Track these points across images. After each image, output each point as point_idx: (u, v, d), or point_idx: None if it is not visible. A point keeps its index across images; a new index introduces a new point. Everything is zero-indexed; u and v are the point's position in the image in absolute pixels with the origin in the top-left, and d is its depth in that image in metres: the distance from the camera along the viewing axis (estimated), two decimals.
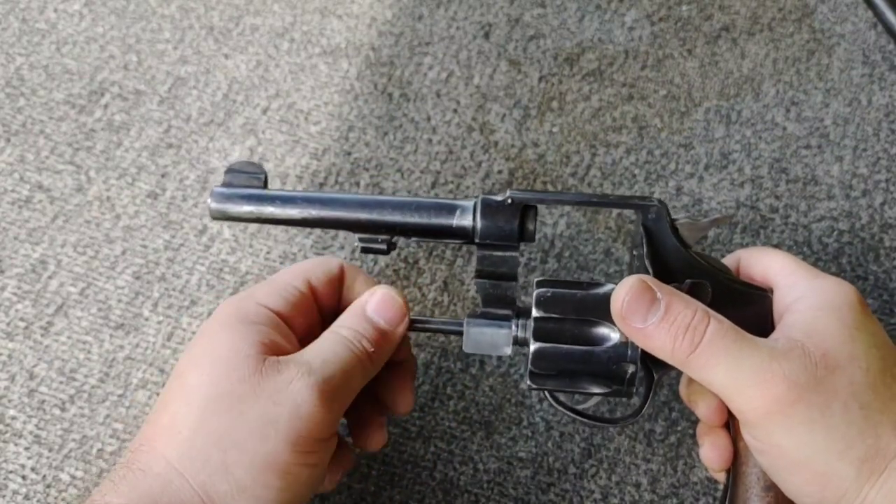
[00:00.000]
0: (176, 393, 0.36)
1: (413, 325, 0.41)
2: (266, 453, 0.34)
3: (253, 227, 0.53)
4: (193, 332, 0.49)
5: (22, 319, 0.50)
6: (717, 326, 0.35)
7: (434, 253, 0.52)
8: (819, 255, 0.52)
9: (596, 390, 0.39)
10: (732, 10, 0.63)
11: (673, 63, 0.61)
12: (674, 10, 0.63)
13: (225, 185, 0.41)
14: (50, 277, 0.52)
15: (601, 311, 0.38)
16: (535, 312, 0.38)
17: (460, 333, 0.40)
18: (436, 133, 0.57)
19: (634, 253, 0.41)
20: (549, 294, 0.38)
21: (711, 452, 0.39)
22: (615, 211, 0.54)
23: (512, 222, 0.39)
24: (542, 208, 0.53)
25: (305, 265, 0.41)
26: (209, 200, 0.41)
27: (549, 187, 0.55)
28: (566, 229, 0.53)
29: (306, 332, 0.40)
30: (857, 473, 0.34)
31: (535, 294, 0.38)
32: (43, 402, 0.48)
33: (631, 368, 0.38)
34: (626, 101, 0.59)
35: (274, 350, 0.37)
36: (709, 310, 0.36)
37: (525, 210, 0.39)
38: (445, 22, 0.63)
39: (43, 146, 0.57)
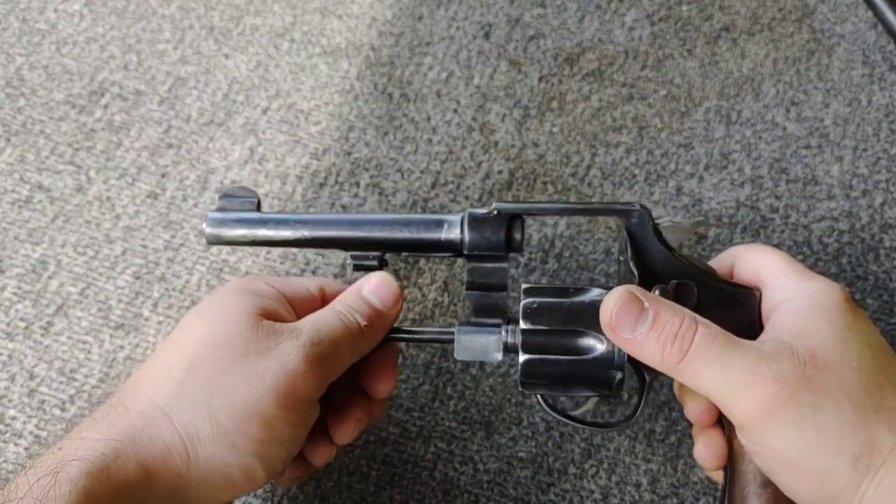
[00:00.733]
0: (172, 340, 0.38)
1: (404, 337, 0.42)
2: (251, 402, 0.35)
3: None
4: None
5: (22, 319, 0.50)
6: (705, 332, 0.35)
7: None
8: (819, 255, 0.52)
9: (587, 394, 0.39)
10: (732, 11, 0.63)
11: (673, 63, 0.61)
12: (674, 11, 0.63)
13: (219, 209, 0.42)
14: (50, 277, 0.52)
15: (588, 319, 0.38)
16: (522, 324, 0.39)
17: (452, 341, 0.40)
18: (436, 133, 0.57)
19: (621, 258, 0.41)
20: (535, 305, 0.39)
21: (705, 451, 0.39)
22: None
23: (499, 233, 0.40)
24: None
25: (325, 279, 0.44)
26: (204, 225, 0.42)
27: (549, 187, 0.55)
28: (566, 229, 0.53)
29: None
30: (852, 470, 0.33)
31: (521, 305, 0.39)
32: (43, 402, 0.48)
33: (618, 375, 0.38)
34: (626, 102, 0.59)
35: (273, 318, 0.38)
36: (697, 316, 0.36)
37: (511, 221, 0.40)
38: (445, 22, 0.63)
39: (43, 146, 0.57)
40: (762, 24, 0.63)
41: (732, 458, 0.39)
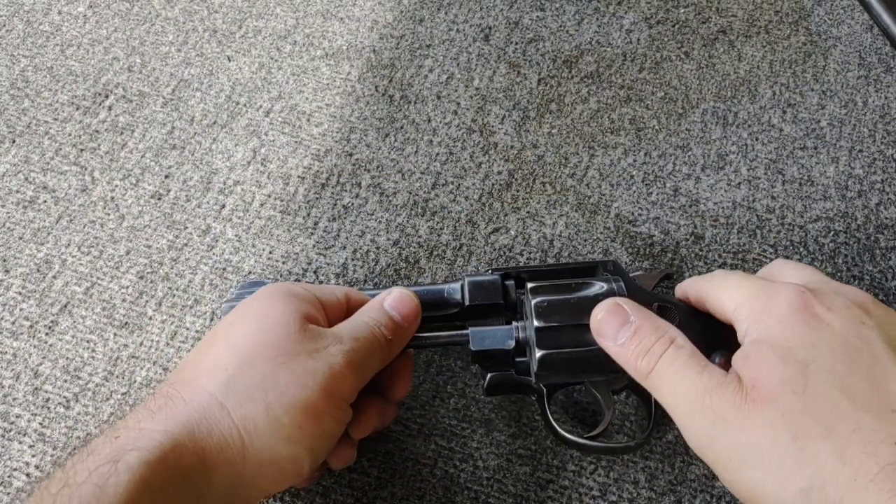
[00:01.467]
0: (220, 340, 0.39)
1: (422, 343, 0.44)
2: (303, 398, 0.37)
3: (256, 226, 0.54)
4: (197, 331, 0.50)
5: (27, 318, 0.51)
6: (672, 353, 0.37)
7: (435, 252, 0.53)
8: (815, 255, 0.53)
9: (597, 378, 0.41)
10: (729, 13, 0.64)
11: (670, 65, 0.61)
12: (671, 13, 0.64)
13: (236, 298, 0.45)
14: (55, 277, 0.52)
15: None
16: (536, 323, 0.41)
17: (467, 342, 0.43)
18: (436, 134, 0.58)
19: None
20: (545, 304, 0.41)
21: None
22: (613, 212, 0.54)
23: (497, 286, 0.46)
24: (541, 203, 0.54)
25: (348, 287, 0.46)
26: (218, 313, 0.45)
27: (548, 188, 0.55)
28: (565, 229, 0.54)
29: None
30: None
31: (532, 304, 0.41)
32: (47, 400, 0.48)
33: None
34: (623, 103, 0.59)
35: (313, 322, 0.40)
36: (677, 336, 0.38)
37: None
38: (446, 25, 0.63)
39: (48, 147, 0.57)
40: (759, 27, 0.63)
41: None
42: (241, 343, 0.38)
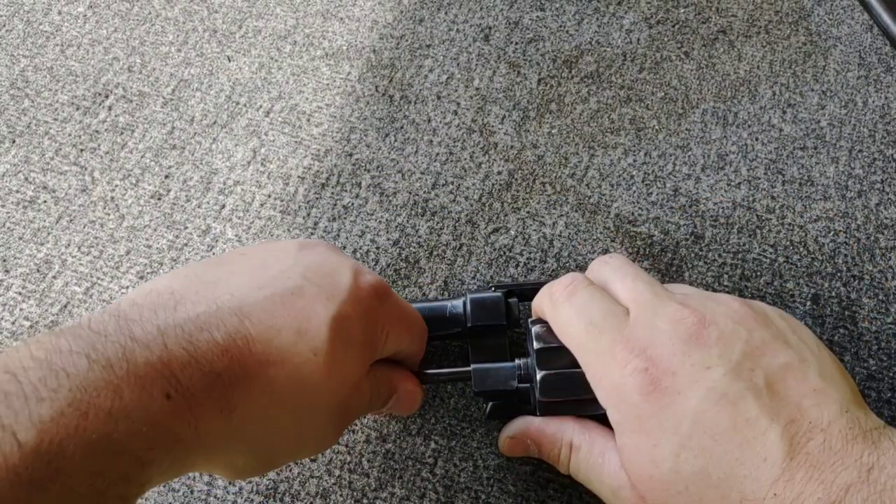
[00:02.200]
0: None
1: (427, 378, 0.45)
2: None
3: (256, 226, 0.54)
4: None
5: (27, 319, 0.51)
6: (575, 459, 0.39)
7: (435, 252, 0.53)
8: (815, 255, 0.53)
9: (602, 411, 0.41)
10: (729, 13, 0.64)
11: (670, 65, 0.61)
12: (671, 14, 0.64)
13: None
14: (55, 277, 0.52)
15: None
16: (536, 345, 0.41)
17: (468, 379, 0.44)
18: (436, 135, 0.58)
19: None
20: (545, 329, 0.41)
21: None
22: (613, 212, 0.54)
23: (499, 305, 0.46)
24: (541, 203, 0.54)
25: None
26: None
27: (548, 188, 0.55)
28: (565, 229, 0.54)
29: None
30: None
31: (533, 331, 0.41)
32: None
33: None
34: (623, 103, 0.59)
35: None
36: (571, 436, 0.39)
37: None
38: (446, 25, 0.63)
39: (48, 147, 0.57)
40: (759, 27, 0.63)
41: None
42: None
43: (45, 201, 0.55)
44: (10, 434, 0.24)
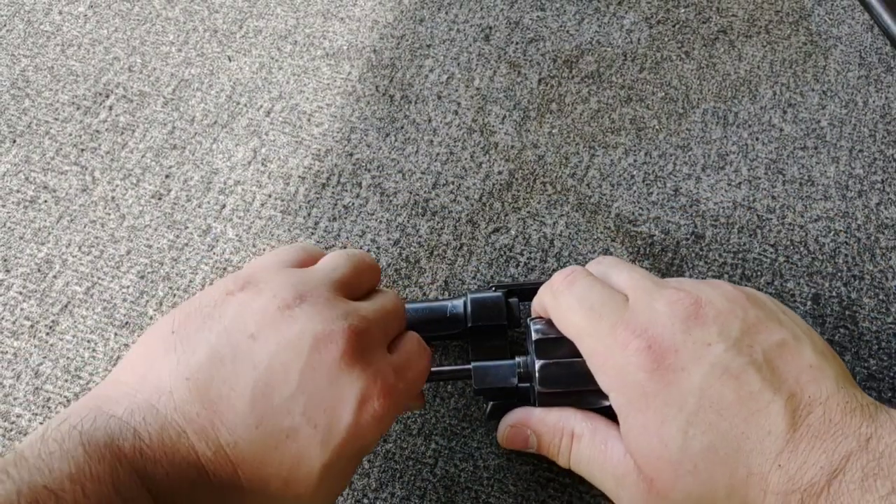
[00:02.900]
0: None
1: (427, 377, 0.44)
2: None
3: (257, 226, 0.54)
4: None
5: (27, 318, 0.51)
6: (576, 447, 0.39)
7: (435, 252, 0.53)
8: (815, 254, 0.53)
9: (602, 403, 0.41)
10: (730, 13, 0.64)
11: (671, 65, 0.61)
12: (672, 13, 0.64)
13: None
14: (55, 277, 0.52)
15: None
16: (534, 336, 0.41)
17: (468, 377, 0.43)
18: (437, 134, 0.58)
19: None
20: (544, 323, 0.41)
21: None
22: (614, 212, 0.54)
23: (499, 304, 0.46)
24: (542, 203, 0.54)
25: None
26: None
27: (549, 188, 0.55)
28: (565, 229, 0.54)
29: None
30: None
31: (532, 327, 0.42)
32: (48, 399, 0.48)
33: None
34: (624, 103, 0.59)
35: None
36: (574, 425, 0.39)
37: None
38: (446, 25, 0.64)
39: (48, 147, 0.57)
40: (759, 27, 0.63)
41: None
42: None
43: (45, 201, 0.55)
44: None
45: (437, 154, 0.57)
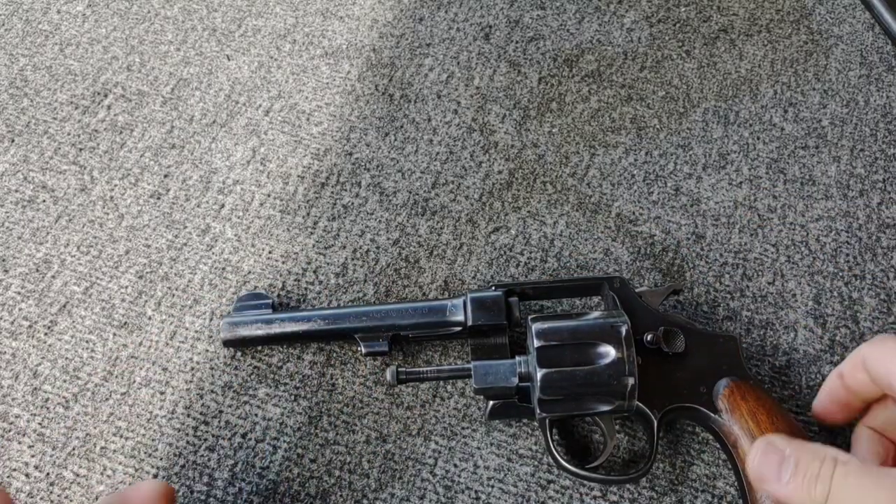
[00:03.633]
0: None
1: (423, 378, 0.45)
2: None
3: (255, 226, 0.54)
4: (196, 331, 0.50)
5: (26, 318, 0.51)
6: (843, 471, 0.35)
7: (435, 252, 0.53)
8: (816, 254, 0.52)
9: (602, 409, 0.41)
10: (731, 12, 0.64)
11: (671, 64, 0.61)
12: (672, 12, 0.64)
13: (235, 311, 0.48)
14: (54, 277, 0.52)
15: (595, 333, 0.41)
16: (536, 343, 0.41)
17: (468, 376, 0.44)
18: (436, 133, 0.58)
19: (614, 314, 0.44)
20: (546, 326, 0.42)
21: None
22: (614, 211, 0.54)
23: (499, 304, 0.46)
24: (542, 203, 0.54)
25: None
26: (219, 323, 0.48)
27: (549, 187, 0.55)
28: (566, 229, 0.54)
29: None
30: None
31: (533, 328, 0.42)
32: (47, 399, 0.48)
33: (630, 381, 0.41)
34: (624, 102, 0.59)
35: None
36: (836, 453, 0.36)
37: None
38: (446, 24, 0.63)
39: (47, 146, 0.57)
40: (760, 26, 0.63)
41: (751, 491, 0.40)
42: None
43: (44, 200, 0.55)
44: None
45: (437, 153, 0.57)
